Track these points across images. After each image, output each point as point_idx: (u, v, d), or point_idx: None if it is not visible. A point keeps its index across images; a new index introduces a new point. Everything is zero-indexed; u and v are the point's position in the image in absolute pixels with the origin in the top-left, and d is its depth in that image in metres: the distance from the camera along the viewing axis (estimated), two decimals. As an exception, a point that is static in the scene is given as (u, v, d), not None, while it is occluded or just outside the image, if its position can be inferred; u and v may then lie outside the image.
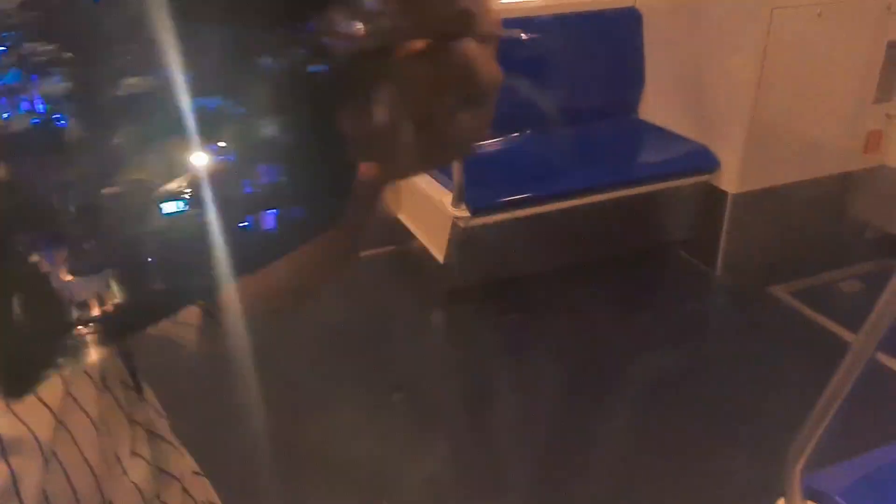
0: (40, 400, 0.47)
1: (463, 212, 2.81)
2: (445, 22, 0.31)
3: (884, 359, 2.58)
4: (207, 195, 0.27)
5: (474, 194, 2.79)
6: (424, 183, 3.00)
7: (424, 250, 3.07)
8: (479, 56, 0.32)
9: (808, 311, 3.08)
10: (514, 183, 2.99)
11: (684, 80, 3.32)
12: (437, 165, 0.37)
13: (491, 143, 3.21)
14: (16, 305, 0.25)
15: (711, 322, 3.16)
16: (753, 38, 2.95)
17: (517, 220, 2.92)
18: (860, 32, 3.12)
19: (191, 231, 0.27)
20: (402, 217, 3.26)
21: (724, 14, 3.07)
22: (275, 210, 0.30)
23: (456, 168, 2.73)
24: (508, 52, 3.20)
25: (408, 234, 3.21)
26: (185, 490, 0.64)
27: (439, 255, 2.96)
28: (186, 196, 0.27)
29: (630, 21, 3.41)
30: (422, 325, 3.07)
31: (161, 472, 0.61)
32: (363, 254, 3.18)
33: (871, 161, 3.38)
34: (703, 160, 3.17)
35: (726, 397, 2.60)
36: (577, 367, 2.75)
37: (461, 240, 2.86)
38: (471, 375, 2.79)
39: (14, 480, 0.44)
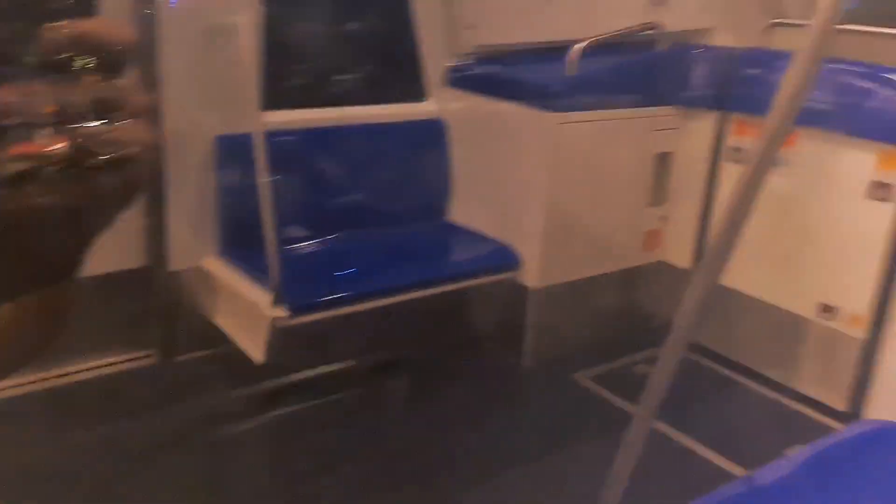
0: None
1: (281, 312, 2.83)
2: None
3: (663, 427, 2.87)
4: None
5: (292, 294, 2.84)
6: (241, 284, 3.01)
7: (242, 352, 3.04)
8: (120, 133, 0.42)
9: (607, 394, 3.34)
10: (331, 282, 3.07)
11: (488, 185, 3.61)
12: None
13: (309, 245, 3.29)
14: None
15: (518, 411, 3.33)
16: (545, 147, 3.29)
17: (335, 318, 2.98)
18: (634, 145, 3.57)
19: None
20: (218, 320, 3.22)
21: (520, 126, 3.40)
22: None
23: (273, 268, 2.77)
24: (324, 159, 3.37)
25: (223, 337, 3.17)
26: None
27: (257, 356, 2.95)
28: None
29: (436, 131, 3.67)
30: (240, 429, 3.01)
31: None
32: (179, 358, 3.10)
33: (651, 257, 3.80)
34: (507, 258, 3.43)
35: (534, 480, 2.75)
36: (391, 466, 2.81)
37: (280, 340, 2.87)
38: (290, 477, 2.75)
39: None
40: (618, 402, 3.27)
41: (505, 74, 3.53)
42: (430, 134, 3.67)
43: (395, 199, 3.64)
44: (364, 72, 3.63)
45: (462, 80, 3.61)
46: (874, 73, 3.04)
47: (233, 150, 3.08)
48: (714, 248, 1.53)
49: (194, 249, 3.16)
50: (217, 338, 3.17)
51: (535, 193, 3.36)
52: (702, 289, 1.56)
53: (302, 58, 3.44)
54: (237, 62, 2.74)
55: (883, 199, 3.00)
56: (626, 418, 3.08)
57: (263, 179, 2.61)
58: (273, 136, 2.88)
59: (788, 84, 1.40)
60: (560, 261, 3.46)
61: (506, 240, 3.49)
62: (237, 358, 3.02)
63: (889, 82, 2.99)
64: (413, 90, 3.65)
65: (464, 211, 3.72)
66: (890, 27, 3.34)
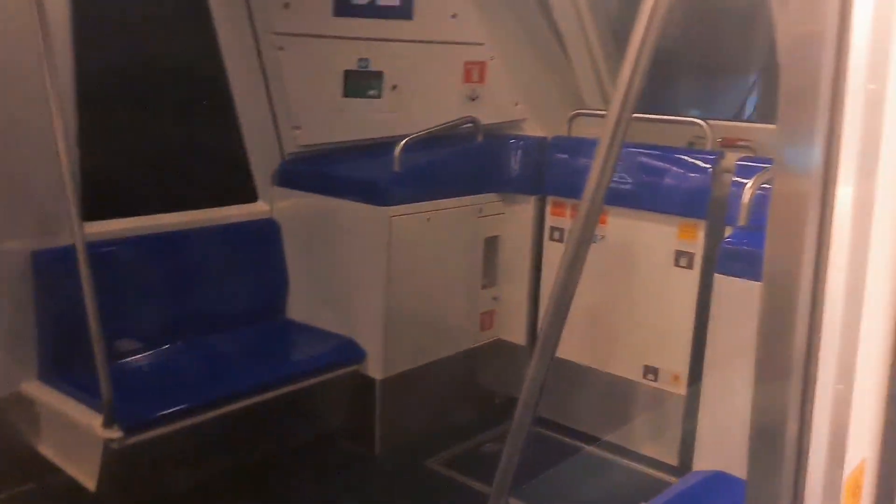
0: None
1: (114, 432, 2.66)
2: None
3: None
4: None
5: (125, 412, 2.68)
6: (67, 406, 2.81)
7: (72, 481, 2.82)
8: None
9: (459, 477, 3.38)
10: (168, 396, 2.93)
11: (325, 280, 3.63)
12: None
13: (142, 357, 3.14)
14: None
15: (372, 501, 3.28)
16: (378, 240, 3.38)
17: (175, 432, 2.84)
18: (463, 232, 3.74)
19: None
20: (43, 448, 2.97)
21: (352, 221, 3.48)
22: None
23: (103, 386, 2.61)
24: (153, 267, 3.26)
25: (51, 467, 2.92)
26: None
27: (90, 484, 2.75)
28: None
29: (269, 230, 3.67)
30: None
31: None
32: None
33: (488, 337, 3.95)
34: (350, 352, 3.44)
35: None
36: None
37: (114, 462, 2.69)
38: None
39: None
40: (470, 483, 3.32)
41: (334, 172, 3.61)
42: (264, 234, 3.67)
43: (232, 302, 3.57)
44: (191, 175, 3.59)
45: (292, 179, 3.66)
46: (667, 154, 3.40)
47: (52, 264, 2.92)
48: (547, 324, 1.63)
49: (12, 374, 2.93)
50: (43, 468, 2.92)
51: (373, 286, 3.42)
52: (540, 365, 1.66)
53: (126, 164, 3.36)
54: (53, 170, 2.63)
55: (687, 267, 3.31)
56: (479, 499, 3.15)
57: (88, 293, 2.49)
58: (96, 246, 2.77)
59: (595, 168, 1.55)
60: (403, 349, 3.51)
61: (348, 334, 3.50)
62: (68, 488, 2.79)
63: (680, 161, 3.35)
64: (244, 191, 3.64)
65: (303, 308, 3.71)
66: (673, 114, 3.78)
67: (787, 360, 0.86)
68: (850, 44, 0.78)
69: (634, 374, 3.51)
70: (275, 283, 3.71)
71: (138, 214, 3.28)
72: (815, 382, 0.85)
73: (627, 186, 3.43)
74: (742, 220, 2.62)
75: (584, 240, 1.64)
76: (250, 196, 3.66)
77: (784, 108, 0.86)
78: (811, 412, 0.85)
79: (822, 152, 0.80)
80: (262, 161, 3.64)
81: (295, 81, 3.57)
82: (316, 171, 3.64)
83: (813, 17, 0.80)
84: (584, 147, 3.66)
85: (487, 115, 3.86)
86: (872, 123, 0.80)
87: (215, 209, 3.53)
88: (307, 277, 3.69)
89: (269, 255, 3.68)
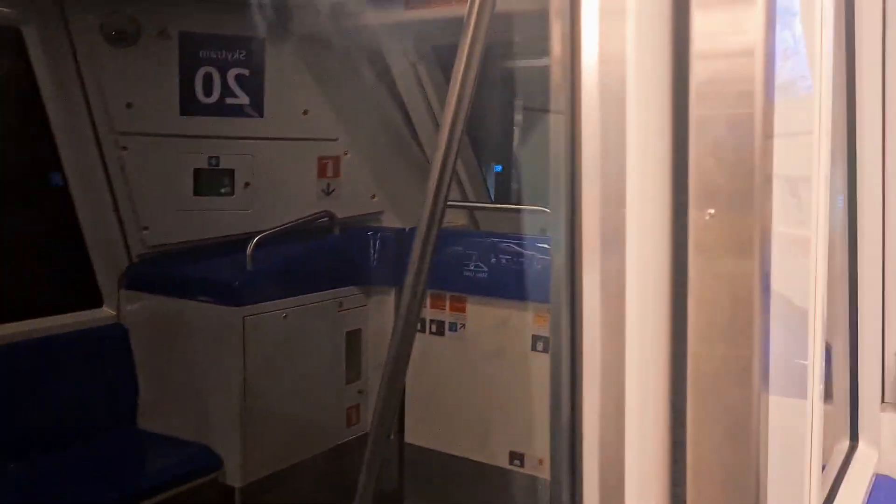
0: None
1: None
2: None
3: None
4: None
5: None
6: None
7: None
8: None
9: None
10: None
11: (178, 386, 3.46)
12: None
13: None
14: None
15: None
16: (232, 342, 3.27)
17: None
18: (324, 327, 3.68)
19: None
20: None
21: (205, 324, 3.36)
22: None
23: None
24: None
25: None
26: None
27: None
28: None
29: (116, 337, 3.49)
30: None
31: None
32: None
33: (355, 432, 3.86)
34: (205, 460, 3.27)
35: None
36: None
37: None
38: None
39: None
40: (339, 591, 3.17)
41: (184, 273, 3.50)
42: (110, 340, 3.48)
43: (75, 416, 3.34)
44: (29, 283, 3.38)
45: (140, 281, 3.52)
46: (520, 242, 3.51)
47: None
48: (378, 417, 1.60)
49: None
50: None
51: (228, 389, 3.29)
52: (376, 455, 1.62)
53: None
54: None
55: (544, 351, 3.38)
56: None
57: None
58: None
59: (414, 254, 1.57)
60: (264, 453, 3.37)
61: (203, 441, 3.33)
62: None
63: (532, 248, 3.46)
64: (87, 297, 3.46)
65: (155, 417, 3.51)
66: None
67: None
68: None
69: (501, 461, 3.50)
70: (123, 392, 3.50)
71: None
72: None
73: (483, 275, 3.50)
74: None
75: (410, 327, 1.64)
76: (95, 301, 3.48)
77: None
78: None
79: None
80: (107, 264, 3.49)
81: (141, 181, 3.48)
82: (165, 272, 3.51)
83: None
84: (440, 237, 3.72)
85: (344, 209, 3.87)
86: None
87: (56, 317, 3.32)
88: (158, 384, 3.51)
89: (116, 363, 3.49)
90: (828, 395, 1.50)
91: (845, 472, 1.66)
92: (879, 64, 1.77)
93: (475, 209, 4.21)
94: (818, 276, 1.16)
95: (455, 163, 1.41)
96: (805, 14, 1.09)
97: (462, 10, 3.33)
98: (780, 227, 0.90)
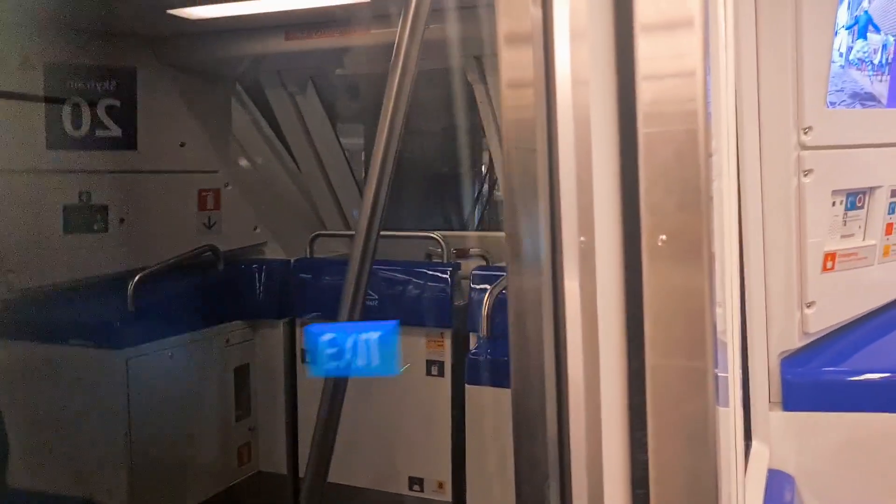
0: None
1: None
2: None
3: None
4: None
5: None
6: None
7: None
8: None
9: None
10: None
11: (55, 439, 3.22)
12: None
13: None
14: None
15: None
16: (114, 387, 3.09)
17: None
18: (210, 364, 3.55)
19: None
20: None
21: (84, 370, 3.15)
22: None
23: None
24: None
25: None
26: None
27: None
28: None
29: (-19, 389, 3.22)
30: None
31: None
32: None
33: (248, 470, 3.74)
34: (90, 515, 3.07)
35: None
36: None
37: None
38: None
39: None
40: None
41: (58, 316, 3.28)
42: (-26, 394, 3.20)
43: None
44: None
45: (7, 328, 3.26)
46: (408, 268, 3.54)
47: None
48: (315, 454, 1.58)
49: None
50: None
51: (111, 436, 3.11)
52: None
53: None
54: None
55: (438, 375, 3.42)
56: None
57: None
58: None
59: (348, 285, 1.57)
60: (152, 500, 3.20)
61: (86, 494, 3.13)
62: None
63: (421, 274, 3.50)
64: (-55, 348, 3.18)
65: (29, 474, 3.25)
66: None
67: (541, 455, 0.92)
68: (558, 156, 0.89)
69: (401, 487, 3.50)
70: (-10, 448, 3.23)
71: None
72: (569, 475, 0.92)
73: (374, 303, 3.50)
74: (484, 331, 2.78)
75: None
76: (-46, 352, 3.20)
77: (508, 215, 0.95)
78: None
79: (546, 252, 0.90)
80: (-33, 311, 3.22)
81: (4, 220, 3.24)
82: (36, 317, 3.28)
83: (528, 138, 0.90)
84: (328, 267, 3.70)
85: (226, 242, 3.77)
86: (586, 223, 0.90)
87: None
88: (32, 439, 3.26)
89: (-19, 418, 3.21)
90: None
91: (746, 470, 1.80)
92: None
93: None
94: (733, 287, 1.27)
95: (387, 195, 1.42)
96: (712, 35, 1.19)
97: (341, 42, 3.36)
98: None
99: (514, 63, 0.94)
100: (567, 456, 0.89)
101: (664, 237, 0.90)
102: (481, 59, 3.37)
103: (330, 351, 1.20)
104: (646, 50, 0.88)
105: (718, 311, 1.14)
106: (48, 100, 3.28)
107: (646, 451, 0.93)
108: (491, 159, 3.84)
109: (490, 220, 4.37)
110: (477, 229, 4.34)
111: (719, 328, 1.03)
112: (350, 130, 4.44)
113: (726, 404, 1.20)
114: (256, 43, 3.42)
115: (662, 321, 0.92)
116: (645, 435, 0.93)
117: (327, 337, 1.20)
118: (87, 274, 3.42)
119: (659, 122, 0.90)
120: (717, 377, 0.92)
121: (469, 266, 3.50)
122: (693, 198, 0.89)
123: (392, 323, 1.21)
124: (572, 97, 0.85)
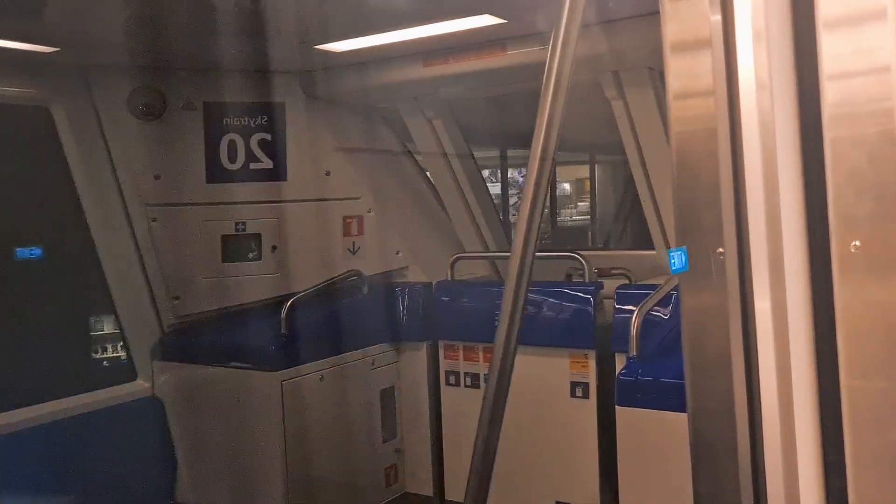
0: None
1: None
2: None
3: None
4: None
5: None
6: None
7: None
8: None
9: None
10: None
11: (217, 455, 3.41)
12: None
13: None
14: None
15: None
16: (271, 408, 3.23)
17: None
18: (357, 387, 3.64)
19: None
20: None
21: (242, 391, 3.32)
22: None
23: None
24: (18, 464, 2.95)
25: None
26: None
27: None
28: None
29: (151, 409, 3.45)
30: None
31: None
32: None
33: (394, 492, 3.79)
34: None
35: None
36: None
37: None
38: None
39: None
40: None
41: (219, 340, 3.48)
42: (145, 413, 3.44)
43: (111, 492, 3.27)
44: (58, 363, 3.33)
45: (174, 352, 3.49)
46: (550, 288, 3.50)
47: None
48: (474, 482, 1.56)
49: None
50: None
51: (269, 455, 3.25)
52: None
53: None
54: None
55: (583, 397, 3.35)
56: None
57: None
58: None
59: (506, 304, 1.55)
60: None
61: (244, 509, 3.28)
62: None
63: (562, 295, 3.45)
64: (120, 370, 3.43)
65: (195, 488, 3.45)
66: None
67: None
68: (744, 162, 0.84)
69: (545, 511, 3.44)
70: (160, 465, 3.45)
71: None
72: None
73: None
74: (633, 351, 2.69)
75: (502, 389, 1.61)
76: (128, 375, 3.44)
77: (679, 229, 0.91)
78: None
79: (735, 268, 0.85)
80: (139, 336, 3.46)
81: (171, 251, 3.48)
82: (199, 341, 3.49)
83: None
84: (468, 289, 3.72)
85: (370, 267, 3.87)
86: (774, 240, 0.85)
87: (89, 394, 3.28)
88: (197, 455, 3.46)
89: (151, 436, 3.44)
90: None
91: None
92: None
93: (498, 258, 4.19)
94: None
95: (541, 215, 1.41)
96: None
97: (477, 65, 3.38)
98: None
99: (684, 72, 0.91)
100: (762, 481, 0.84)
101: (857, 243, 0.84)
102: (619, 74, 3.30)
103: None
104: (830, 47, 0.83)
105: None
106: (208, 137, 3.51)
107: (842, 477, 0.87)
108: (631, 176, 3.74)
109: (632, 238, 4.26)
110: (616, 248, 4.24)
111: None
112: (485, 150, 4.46)
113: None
114: (395, 71, 3.51)
115: (858, 337, 0.85)
116: (841, 459, 0.87)
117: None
118: (242, 300, 3.61)
119: (847, 125, 0.84)
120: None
121: (611, 285, 3.42)
122: (891, 203, 0.82)
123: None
124: (756, 102, 0.80)
